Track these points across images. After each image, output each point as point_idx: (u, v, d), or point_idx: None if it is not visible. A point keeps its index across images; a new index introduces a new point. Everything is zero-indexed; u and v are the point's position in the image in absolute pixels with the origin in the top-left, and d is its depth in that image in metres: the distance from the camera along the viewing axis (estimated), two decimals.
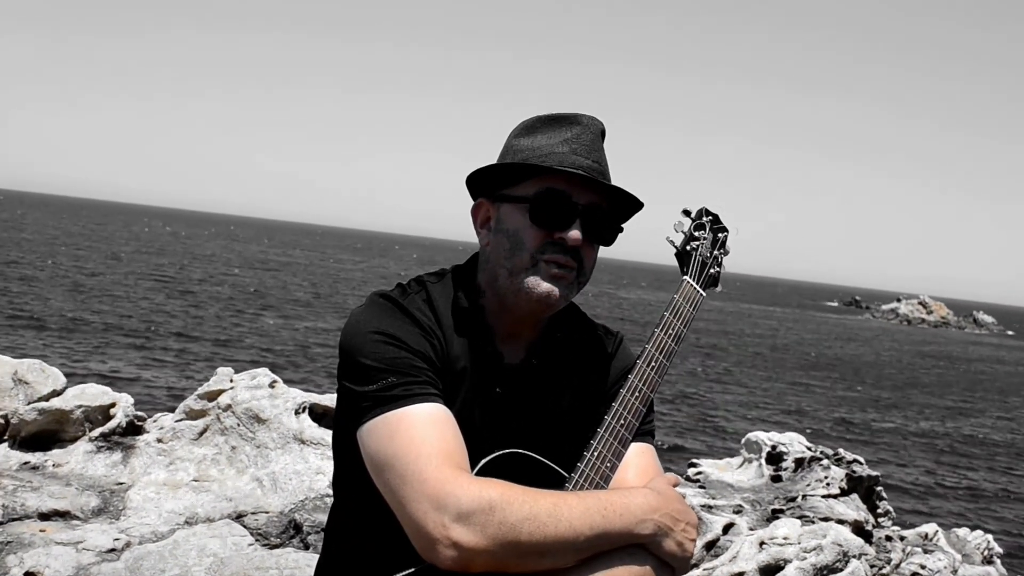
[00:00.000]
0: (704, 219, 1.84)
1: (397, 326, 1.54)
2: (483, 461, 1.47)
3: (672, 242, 1.81)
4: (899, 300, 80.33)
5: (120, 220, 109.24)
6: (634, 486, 1.54)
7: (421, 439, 1.43)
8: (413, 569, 1.41)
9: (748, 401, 21.24)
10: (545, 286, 1.58)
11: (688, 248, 1.79)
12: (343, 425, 1.59)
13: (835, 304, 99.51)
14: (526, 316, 1.64)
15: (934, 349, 47.99)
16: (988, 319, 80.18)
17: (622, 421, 1.57)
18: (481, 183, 1.67)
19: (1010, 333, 79.11)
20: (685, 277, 1.74)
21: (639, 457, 1.63)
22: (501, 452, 1.49)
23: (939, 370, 36.27)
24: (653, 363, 1.62)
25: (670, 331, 1.66)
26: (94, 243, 52.52)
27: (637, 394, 1.59)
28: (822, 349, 39.21)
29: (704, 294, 1.75)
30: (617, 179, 1.67)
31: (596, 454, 1.54)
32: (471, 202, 1.71)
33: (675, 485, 1.58)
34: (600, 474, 1.53)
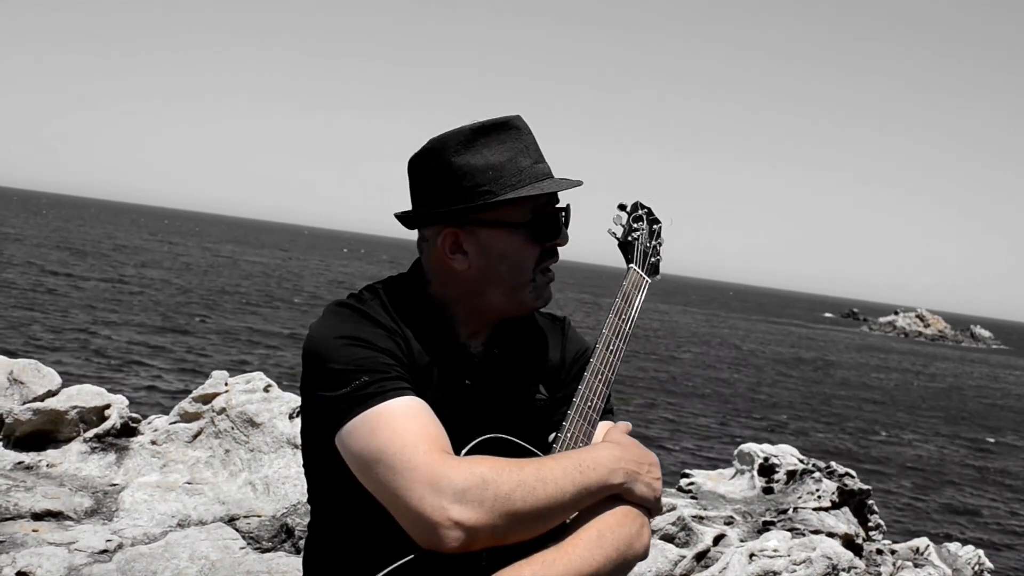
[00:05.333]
0: (640, 211, 1.96)
1: (361, 328, 1.57)
2: (466, 448, 1.49)
3: (613, 234, 1.93)
4: (897, 313, 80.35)
5: (106, 220, 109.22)
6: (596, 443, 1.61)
7: (403, 430, 1.45)
8: (412, 556, 1.40)
9: (741, 412, 21.25)
10: (546, 294, 1.69)
11: (630, 239, 1.91)
12: (315, 437, 1.59)
13: (832, 316, 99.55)
14: (499, 318, 1.70)
15: (930, 363, 48.04)
16: (985, 333, 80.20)
17: (589, 403, 1.65)
18: (437, 213, 1.64)
19: (1007, 348, 79.16)
20: (632, 265, 1.85)
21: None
22: (483, 438, 1.52)
23: (933, 385, 36.31)
24: (611, 347, 1.71)
25: (623, 316, 1.76)
26: (90, 245, 52.49)
27: (600, 376, 1.68)
28: (818, 362, 39.24)
29: (649, 280, 1.87)
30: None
31: (570, 435, 1.61)
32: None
33: (628, 432, 1.66)
34: None
